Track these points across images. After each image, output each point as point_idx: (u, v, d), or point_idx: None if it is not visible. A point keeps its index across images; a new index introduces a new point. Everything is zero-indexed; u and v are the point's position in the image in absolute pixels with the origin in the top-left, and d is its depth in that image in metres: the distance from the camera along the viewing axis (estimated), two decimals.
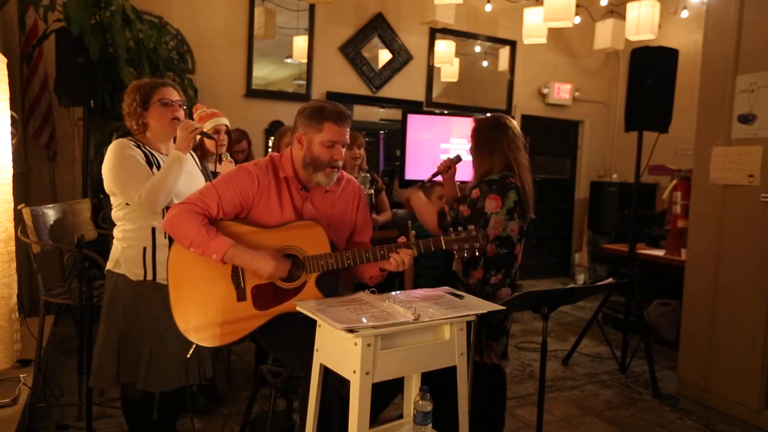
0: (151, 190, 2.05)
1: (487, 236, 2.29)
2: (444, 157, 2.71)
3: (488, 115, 2.50)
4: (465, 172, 2.63)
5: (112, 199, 2.19)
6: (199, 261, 1.85)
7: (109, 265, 2.21)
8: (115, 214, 2.19)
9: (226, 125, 3.05)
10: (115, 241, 2.20)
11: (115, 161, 2.10)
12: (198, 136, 2.31)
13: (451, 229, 1.96)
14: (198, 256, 1.84)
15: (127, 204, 2.14)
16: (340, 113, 1.92)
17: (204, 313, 1.85)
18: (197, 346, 1.88)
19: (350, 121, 1.96)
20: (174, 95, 2.22)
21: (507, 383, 2.57)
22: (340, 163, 1.97)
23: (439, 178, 2.58)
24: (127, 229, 2.16)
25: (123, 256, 2.15)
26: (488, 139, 2.41)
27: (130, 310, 2.15)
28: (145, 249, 2.14)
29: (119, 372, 2.14)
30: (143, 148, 2.17)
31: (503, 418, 2.53)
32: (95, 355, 2.19)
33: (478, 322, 2.36)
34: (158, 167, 2.16)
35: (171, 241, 1.90)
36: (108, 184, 2.14)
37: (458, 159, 2.53)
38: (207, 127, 2.94)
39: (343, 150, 1.97)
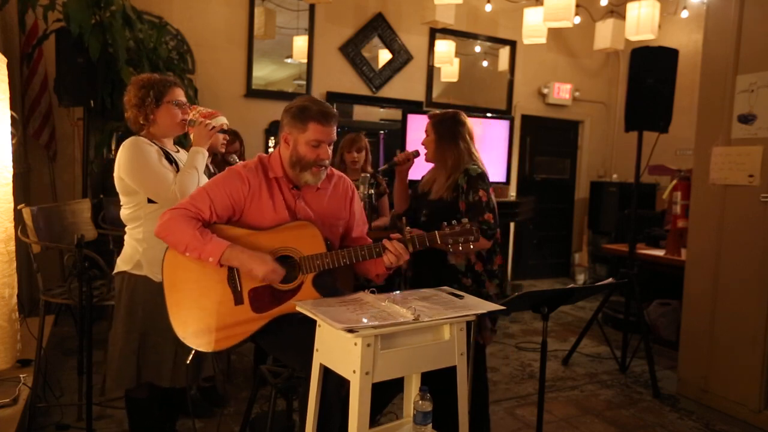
0: (184, 185, 2.07)
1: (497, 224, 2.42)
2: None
3: (446, 111, 2.58)
4: (417, 172, 2.73)
5: (127, 200, 2.17)
6: (194, 266, 1.85)
7: (125, 267, 2.18)
8: (133, 214, 2.17)
9: (227, 124, 3.06)
10: (132, 242, 2.18)
11: (139, 160, 2.09)
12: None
13: (445, 223, 1.95)
14: (193, 261, 1.84)
15: (149, 202, 2.13)
16: (325, 112, 1.91)
17: (202, 318, 1.84)
18: (196, 350, 1.88)
19: (336, 119, 1.95)
20: (183, 96, 2.26)
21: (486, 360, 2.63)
22: (327, 162, 1.97)
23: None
24: (148, 230, 2.14)
25: (145, 257, 2.14)
26: (452, 130, 2.49)
27: (150, 311, 2.14)
28: (167, 250, 2.14)
29: (140, 372, 2.15)
30: (158, 146, 2.18)
31: (486, 403, 2.56)
32: (114, 357, 2.17)
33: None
34: (174, 163, 2.18)
35: None
36: (129, 184, 2.11)
37: (417, 154, 2.61)
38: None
39: (330, 148, 1.96)
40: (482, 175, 2.42)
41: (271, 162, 1.99)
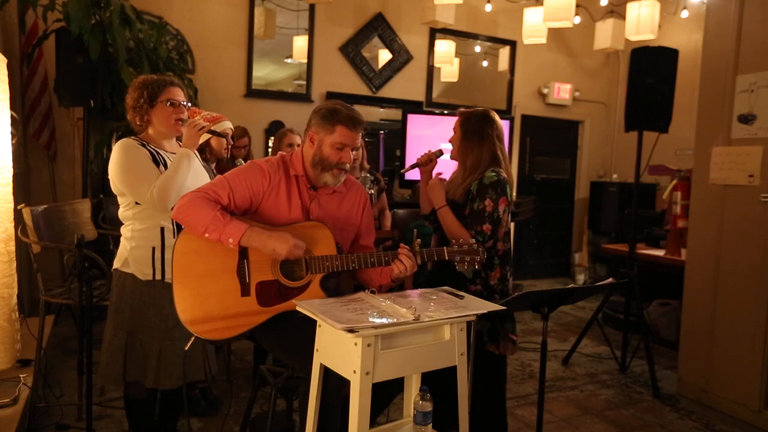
0: (162, 188, 2.07)
1: (498, 236, 2.34)
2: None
3: (476, 108, 2.49)
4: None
5: (121, 199, 2.20)
6: (205, 253, 1.86)
7: (116, 264, 2.21)
8: (124, 213, 2.19)
9: (231, 129, 3.06)
10: (123, 240, 2.21)
11: (122, 161, 2.10)
12: (205, 136, 2.34)
13: (453, 241, 2.01)
14: (204, 249, 1.85)
15: (137, 203, 2.14)
16: (353, 118, 1.96)
17: (207, 306, 1.85)
18: (203, 343, 1.88)
19: (363, 126, 2.00)
20: (181, 96, 2.24)
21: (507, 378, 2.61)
22: (348, 166, 2.00)
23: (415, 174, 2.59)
24: (136, 228, 2.16)
25: (132, 255, 2.16)
26: (479, 130, 2.38)
27: (137, 309, 2.16)
28: (154, 249, 2.15)
29: (125, 370, 2.15)
30: (148, 147, 2.18)
31: (505, 411, 2.54)
32: (103, 353, 2.19)
33: (504, 314, 2.39)
34: (165, 165, 2.17)
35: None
36: (116, 185, 2.14)
37: (440, 153, 2.53)
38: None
39: (353, 153, 1.99)
40: (495, 184, 2.29)
41: (293, 160, 2.03)
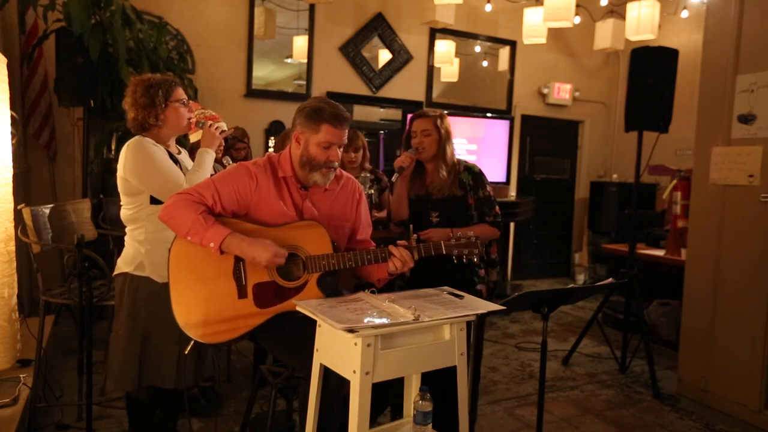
0: (194, 185, 2.06)
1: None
2: None
3: (434, 109, 2.66)
4: None
5: (129, 200, 2.16)
6: (200, 257, 1.85)
7: (127, 268, 2.18)
8: (135, 215, 2.16)
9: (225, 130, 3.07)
10: (134, 243, 2.18)
11: (147, 161, 2.09)
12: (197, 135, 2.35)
13: (450, 234, 2.01)
14: (199, 253, 1.84)
15: (153, 203, 2.12)
16: (339, 115, 1.92)
17: (204, 310, 1.85)
18: (196, 344, 1.88)
19: (349, 123, 1.97)
20: (185, 95, 2.26)
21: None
22: (336, 164, 1.98)
23: None
24: (150, 230, 2.14)
25: (148, 258, 2.14)
26: (448, 129, 2.59)
27: (153, 312, 2.14)
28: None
29: (141, 374, 2.15)
30: (161, 147, 2.18)
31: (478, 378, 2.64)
32: (115, 359, 2.17)
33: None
34: (178, 164, 2.18)
35: None
36: (134, 185, 2.11)
37: (416, 152, 2.57)
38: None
39: (340, 150, 1.97)
40: (482, 172, 2.58)
41: (281, 161, 2.00)
